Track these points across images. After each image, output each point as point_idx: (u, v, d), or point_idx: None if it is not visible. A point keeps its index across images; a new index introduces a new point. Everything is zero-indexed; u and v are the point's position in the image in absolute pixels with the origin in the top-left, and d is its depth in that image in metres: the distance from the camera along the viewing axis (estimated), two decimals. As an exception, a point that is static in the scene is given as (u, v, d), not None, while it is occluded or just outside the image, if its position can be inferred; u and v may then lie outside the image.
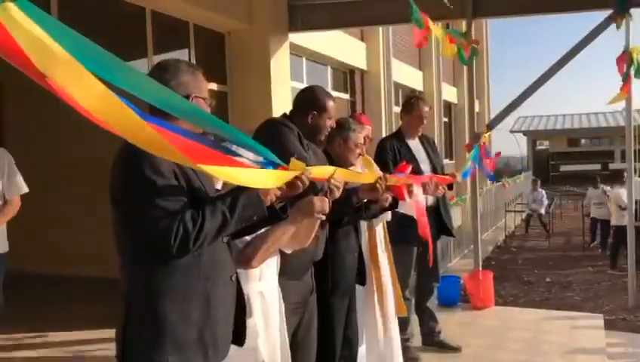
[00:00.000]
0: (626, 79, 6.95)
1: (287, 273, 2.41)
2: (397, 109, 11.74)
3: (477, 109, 17.70)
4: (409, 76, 12.16)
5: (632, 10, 6.06)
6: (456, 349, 4.40)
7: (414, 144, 4.20)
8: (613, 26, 5.97)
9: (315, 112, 2.73)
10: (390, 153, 4.01)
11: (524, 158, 31.85)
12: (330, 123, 2.76)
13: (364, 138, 3.23)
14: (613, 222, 9.55)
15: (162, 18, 5.28)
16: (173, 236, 1.62)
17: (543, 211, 13.34)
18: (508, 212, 14.39)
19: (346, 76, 9.71)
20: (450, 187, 4.15)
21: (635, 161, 7.30)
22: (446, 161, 13.80)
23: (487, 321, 5.22)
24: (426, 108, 4.18)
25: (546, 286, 8.36)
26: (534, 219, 13.60)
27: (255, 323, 2.16)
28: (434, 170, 4.16)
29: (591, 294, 7.85)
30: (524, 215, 14.18)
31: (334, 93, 9.20)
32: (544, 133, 31.10)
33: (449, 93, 14.04)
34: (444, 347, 4.41)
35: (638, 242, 9.00)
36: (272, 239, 2.13)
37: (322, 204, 2.15)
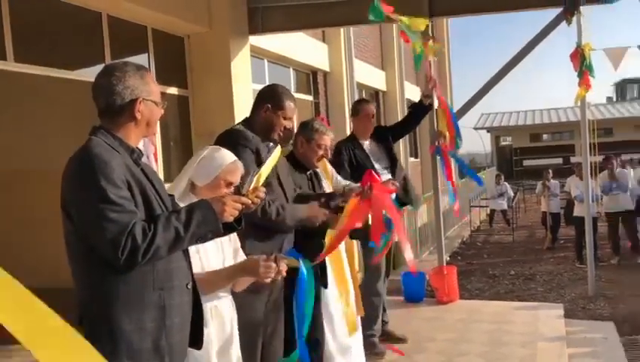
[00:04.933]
0: (581, 75, 7.18)
1: (249, 288, 2.40)
2: (361, 109, 11.84)
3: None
4: (372, 76, 12.27)
5: (583, 8, 6.28)
6: (401, 340, 4.51)
7: (367, 144, 4.36)
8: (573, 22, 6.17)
9: (269, 106, 2.74)
10: (346, 155, 4.17)
11: (489, 154, 32.46)
12: (286, 123, 2.77)
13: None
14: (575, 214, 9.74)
15: (119, 23, 5.22)
16: (121, 248, 1.62)
17: (506, 206, 13.62)
18: (473, 207, 14.65)
19: (309, 77, 9.75)
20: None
21: (591, 155, 7.52)
22: (412, 160, 13.96)
23: (452, 315, 5.31)
24: (372, 108, 4.37)
25: (510, 279, 8.55)
26: (498, 213, 13.88)
27: (210, 334, 2.15)
28: (392, 163, 4.29)
29: (553, 285, 8.06)
30: (488, 210, 14.45)
31: (298, 95, 9.27)
32: (507, 129, 31.71)
33: (412, 92, 14.19)
34: (390, 337, 4.52)
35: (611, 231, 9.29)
36: (211, 289, 2.16)
37: (267, 271, 2.13)
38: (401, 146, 12.45)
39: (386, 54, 13.20)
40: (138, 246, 1.63)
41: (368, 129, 4.35)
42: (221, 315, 2.24)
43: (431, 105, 4.62)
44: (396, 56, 13.18)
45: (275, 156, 2.79)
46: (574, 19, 6.26)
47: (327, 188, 3.40)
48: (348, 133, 9.04)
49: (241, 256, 2.35)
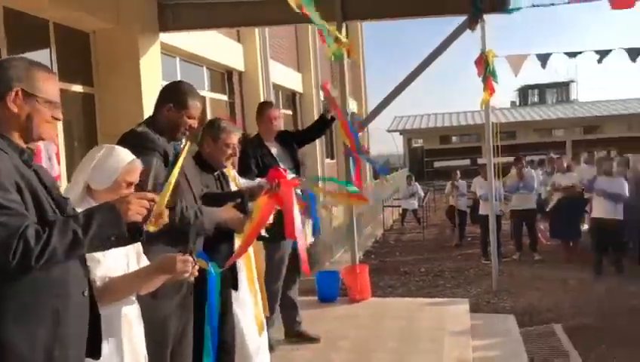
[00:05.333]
0: (485, 80, 7.55)
1: (157, 294, 2.33)
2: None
3: (355, 110, 18.38)
4: (288, 78, 12.31)
5: (488, 16, 6.61)
6: (315, 339, 4.56)
7: (273, 146, 4.39)
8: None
9: (171, 105, 2.66)
10: (252, 157, 4.16)
11: (402, 156, 33.47)
12: (190, 122, 2.70)
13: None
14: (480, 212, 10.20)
15: (18, 16, 4.91)
16: (13, 251, 1.53)
17: (417, 206, 14.09)
18: (386, 207, 15.05)
19: (224, 77, 9.63)
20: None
21: (495, 157, 7.93)
22: (328, 161, 14.14)
23: (364, 313, 5.42)
24: (276, 112, 4.40)
25: (421, 276, 8.84)
26: (409, 213, 14.34)
27: (113, 343, 2.08)
28: (296, 166, 4.38)
29: (461, 281, 8.42)
30: (400, 209, 14.89)
31: (212, 95, 9.13)
32: (418, 131, 32.83)
33: (328, 94, 14.39)
34: (303, 337, 4.56)
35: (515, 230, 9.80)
36: (123, 293, 2.09)
37: (184, 266, 2.10)
38: (317, 148, 12.58)
39: (302, 56, 13.28)
40: (31, 249, 1.54)
41: (272, 131, 4.38)
42: (130, 322, 2.17)
43: (333, 118, 4.69)
44: (312, 59, 13.30)
45: (183, 155, 2.73)
46: (479, 26, 6.60)
47: (235, 188, 3.37)
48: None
49: (145, 261, 2.27)
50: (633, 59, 7.23)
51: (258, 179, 3.57)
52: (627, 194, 8.07)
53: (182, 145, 2.69)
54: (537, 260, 9.40)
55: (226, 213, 2.94)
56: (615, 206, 8.05)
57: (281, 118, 4.53)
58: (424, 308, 5.72)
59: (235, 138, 3.18)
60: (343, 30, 5.94)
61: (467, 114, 32.32)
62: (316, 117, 13.05)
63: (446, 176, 13.25)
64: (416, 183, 14.55)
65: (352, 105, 17.70)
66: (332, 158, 15.45)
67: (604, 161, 8.72)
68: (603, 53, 7.34)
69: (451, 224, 12.25)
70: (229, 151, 3.17)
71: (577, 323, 6.07)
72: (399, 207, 14.97)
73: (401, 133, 32.49)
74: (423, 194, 14.47)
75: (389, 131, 31.49)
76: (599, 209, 8.17)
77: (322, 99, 4.99)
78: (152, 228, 1.97)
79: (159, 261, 2.14)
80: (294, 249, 4.21)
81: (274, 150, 4.37)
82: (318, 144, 13.14)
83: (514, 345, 4.98)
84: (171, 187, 2.12)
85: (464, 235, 11.62)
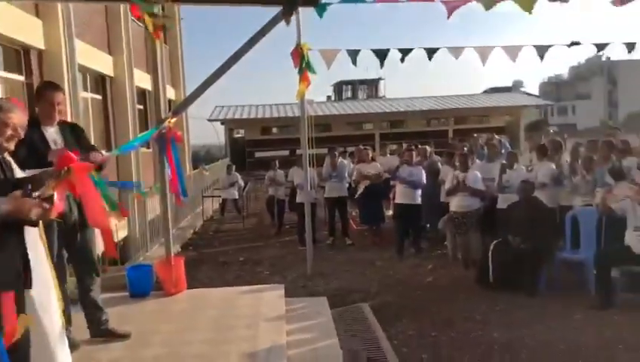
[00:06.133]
0: (302, 72, 7.77)
1: None
2: (86, 94, 10.96)
3: (173, 97, 17.79)
4: (97, 60, 11.44)
5: (305, 10, 6.77)
6: (124, 336, 4.35)
7: (51, 131, 4.00)
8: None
9: None
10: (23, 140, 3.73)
11: (223, 146, 33.26)
12: None
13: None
14: (297, 200, 10.47)
15: None
16: None
17: (237, 196, 14.10)
18: (206, 197, 14.84)
19: (20, 55, 8.62)
20: (100, 168, 3.99)
21: (311, 147, 8.21)
22: (143, 150, 13.45)
23: (178, 306, 5.26)
24: (58, 95, 4.00)
25: (240, 265, 8.87)
26: (230, 203, 14.30)
27: None
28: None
29: (278, 267, 8.62)
30: (220, 200, 14.79)
31: (6, 75, 8.12)
32: (240, 122, 32.88)
33: (143, 80, 13.66)
34: (113, 335, 4.32)
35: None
36: None
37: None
38: (131, 137, 11.93)
39: (113, 38, 12.42)
40: None
41: (52, 116, 3.97)
42: None
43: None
44: (125, 42, 12.51)
45: None
46: (294, 19, 6.74)
47: (21, 174, 3.01)
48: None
49: None
50: (429, 59, 8.02)
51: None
52: (424, 181, 8.92)
53: None
54: (349, 244, 9.99)
55: (14, 202, 2.62)
56: (414, 192, 8.85)
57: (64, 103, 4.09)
58: (240, 296, 5.71)
59: (14, 118, 2.82)
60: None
61: (287, 106, 33.09)
62: (130, 102, 12.44)
63: (267, 166, 13.42)
64: (236, 173, 14.54)
65: (170, 93, 17.10)
66: (148, 147, 14.77)
67: (405, 152, 9.52)
68: (405, 52, 8.00)
69: (270, 213, 12.48)
70: (9, 132, 2.81)
71: (382, 301, 6.57)
72: (219, 197, 14.85)
73: (222, 123, 32.22)
74: (243, 183, 14.53)
75: (209, 120, 31.06)
76: (401, 195, 8.92)
77: None
78: None
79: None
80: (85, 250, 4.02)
81: (50, 135, 3.96)
82: (132, 131, 12.47)
83: (326, 326, 5.20)
84: None
85: (283, 223, 11.92)
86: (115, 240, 3.03)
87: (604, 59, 68.30)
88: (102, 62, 11.77)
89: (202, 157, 30.55)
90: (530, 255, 6.56)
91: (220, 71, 5.68)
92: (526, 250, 6.65)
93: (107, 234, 2.91)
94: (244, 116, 32.63)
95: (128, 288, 5.54)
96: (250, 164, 29.59)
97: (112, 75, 12.32)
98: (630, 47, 8.06)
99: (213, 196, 15.38)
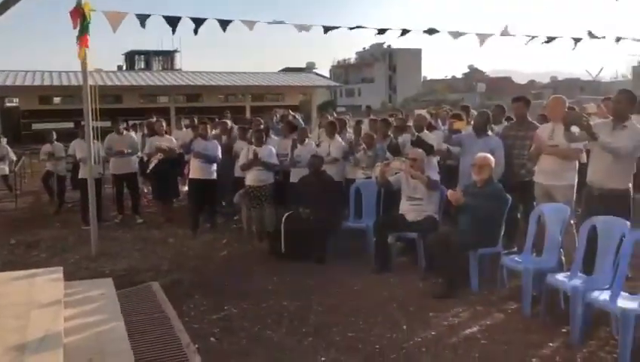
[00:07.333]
0: (82, 34, 7.08)
1: None
2: None
3: None
4: None
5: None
6: None
7: None
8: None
9: None
10: None
11: (-8, 116, 29.28)
12: None
13: None
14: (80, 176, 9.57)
15: None
16: None
17: (7, 171, 12.50)
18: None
19: None
20: None
21: (97, 120, 7.55)
22: None
23: None
24: None
25: (11, 249, 7.89)
26: (-1, 180, 12.65)
27: None
28: None
29: (58, 249, 7.85)
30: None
31: None
32: (13, 89, 29.21)
33: None
34: None
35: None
36: None
37: None
38: None
39: None
40: None
41: None
42: None
43: None
44: None
45: None
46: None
47: None
48: None
49: None
50: (223, 30, 7.86)
51: None
52: (220, 156, 8.81)
53: None
54: (139, 223, 9.49)
55: None
56: (209, 167, 8.70)
57: None
58: (10, 283, 5.05)
59: None
60: None
61: (70, 74, 30.20)
62: None
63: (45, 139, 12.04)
64: (7, 146, 12.86)
65: None
66: None
67: (199, 126, 9.27)
68: (198, 22, 7.73)
69: (48, 190, 11.32)
70: None
71: (174, 279, 6.36)
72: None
73: (-8, 90, 28.32)
74: (15, 158, 12.90)
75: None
76: (196, 170, 8.69)
77: None
78: None
79: None
80: None
81: None
82: None
83: (110, 308, 4.86)
84: None
85: (64, 201, 10.89)
86: None
87: (385, 46, 75.22)
88: None
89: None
90: (319, 225, 6.90)
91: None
92: (315, 221, 6.97)
93: None
94: (19, 83, 29.05)
95: None
96: (26, 137, 26.52)
97: None
98: (404, 32, 8.88)
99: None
